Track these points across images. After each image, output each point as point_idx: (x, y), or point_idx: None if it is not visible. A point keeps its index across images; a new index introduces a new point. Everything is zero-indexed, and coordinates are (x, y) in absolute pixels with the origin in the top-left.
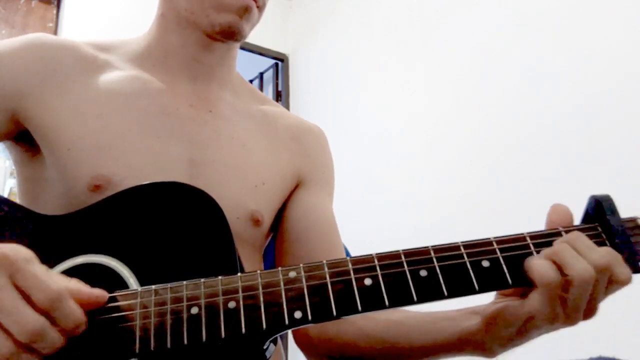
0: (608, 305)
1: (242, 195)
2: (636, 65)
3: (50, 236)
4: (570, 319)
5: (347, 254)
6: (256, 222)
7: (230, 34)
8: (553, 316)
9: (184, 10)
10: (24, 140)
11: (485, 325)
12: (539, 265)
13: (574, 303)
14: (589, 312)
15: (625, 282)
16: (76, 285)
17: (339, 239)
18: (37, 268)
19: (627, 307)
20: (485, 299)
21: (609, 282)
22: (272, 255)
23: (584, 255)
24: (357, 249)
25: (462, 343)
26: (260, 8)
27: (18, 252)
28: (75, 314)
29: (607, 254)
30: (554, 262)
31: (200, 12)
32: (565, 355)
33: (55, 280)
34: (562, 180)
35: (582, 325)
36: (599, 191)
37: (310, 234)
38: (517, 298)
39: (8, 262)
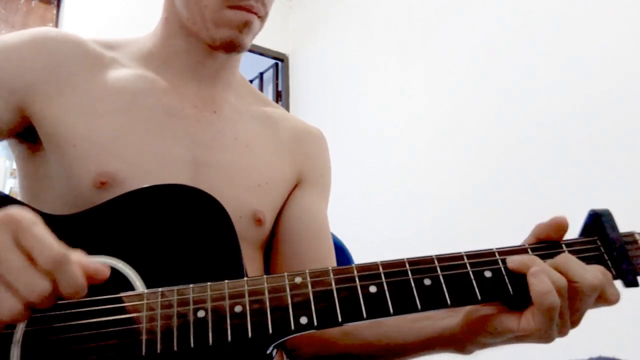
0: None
1: (245, 195)
2: (636, 66)
3: (55, 236)
4: (559, 334)
5: (346, 252)
6: (258, 221)
7: (231, 48)
8: (547, 335)
9: (185, 20)
10: (27, 136)
11: (465, 326)
12: (538, 286)
13: (563, 319)
14: (572, 323)
15: (615, 302)
16: (78, 255)
17: (330, 242)
18: (41, 230)
19: (627, 307)
20: None
21: (597, 300)
22: None
23: (574, 276)
24: (357, 249)
25: (439, 341)
26: (262, 18)
27: (22, 213)
28: (78, 280)
29: (600, 274)
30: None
31: (201, 25)
32: (565, 356)
33: (58, 244)
34: (562, 181)
35: (583, 325)
36: (598, 191)
37: (303, 234)
38: (500, 305)
39: (13, 222)
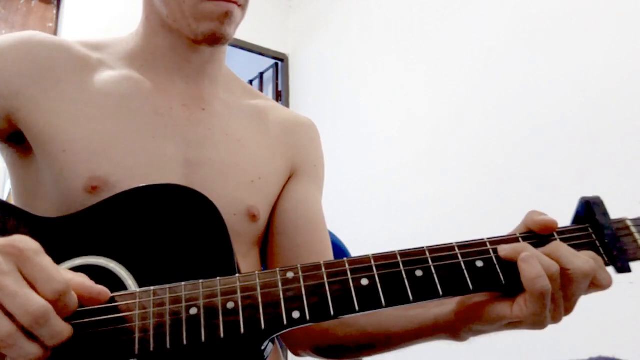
0: (608, 306)
1: (239, 191)
2: (636, 65)
3: (48, 238)
4: (553, 321)
5: (345, 250)
6: (253, 217)
7: (214, 41)
8: (540, 321)
9: (165, 17)
10: (16, 141)
11: (458, 313)
12: (529, 271)
13: (556, 305)
14: (566, 310)
15: (608, 287)
16: (81, 279)
17: (326, 233)
18: (44, 259)
19: (627, 307)
20: None
21: (590, 286)
22: None
23: (566, 262)
24: (356, 249)
25: (434, 329)
26: (242, 6)
27: (26, 242)
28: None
29: (591, 260)
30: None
31: (182, 21)
32: (565, 356)
33: (61, 273)
34: (562, 181)
35: (583, 325)
36: (599, 191)
37: (299, 227)
38: (492, 293)
39: (16, 251)
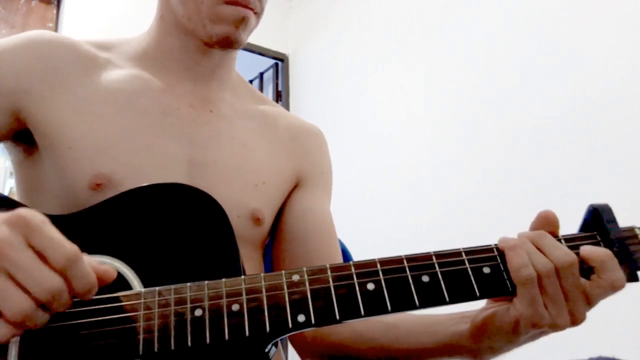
0: (608, 306)
1: (243, 194)
2: (636, 65)
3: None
4: (557, 322)
5: (346, 251)
6: (257, 221)
7: (227, 44)
8: (537, 318)
9: (181, 17)
10: (23, 139)
11: (473, 332)
12: (515, 260)
13: (555, 302)
14: (575, 317)
15: (621, 287)
16: (85, 257)
17: (336, 240)
18: (51, 229)
19: (627, 307)
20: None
21: (607, 287)
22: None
23: (548, 253)
24: (357, 249)
25: (451, 348)
26: (258, 14)
27: (32, 213)
28: (90, 276)
29: (572, 252)
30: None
31: (197, 21)
32: (565, 355)
33: (69, 242)
34: (563, 180)
35: (583, 325)
36: (598, 191)
37: (308, 234)
38: (507, 302)
39: (23, 222)
